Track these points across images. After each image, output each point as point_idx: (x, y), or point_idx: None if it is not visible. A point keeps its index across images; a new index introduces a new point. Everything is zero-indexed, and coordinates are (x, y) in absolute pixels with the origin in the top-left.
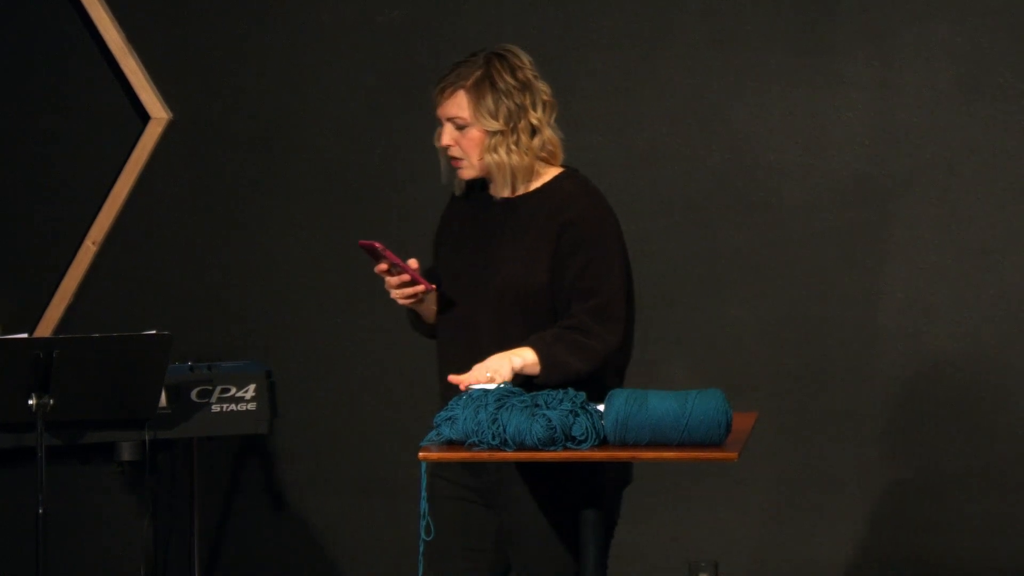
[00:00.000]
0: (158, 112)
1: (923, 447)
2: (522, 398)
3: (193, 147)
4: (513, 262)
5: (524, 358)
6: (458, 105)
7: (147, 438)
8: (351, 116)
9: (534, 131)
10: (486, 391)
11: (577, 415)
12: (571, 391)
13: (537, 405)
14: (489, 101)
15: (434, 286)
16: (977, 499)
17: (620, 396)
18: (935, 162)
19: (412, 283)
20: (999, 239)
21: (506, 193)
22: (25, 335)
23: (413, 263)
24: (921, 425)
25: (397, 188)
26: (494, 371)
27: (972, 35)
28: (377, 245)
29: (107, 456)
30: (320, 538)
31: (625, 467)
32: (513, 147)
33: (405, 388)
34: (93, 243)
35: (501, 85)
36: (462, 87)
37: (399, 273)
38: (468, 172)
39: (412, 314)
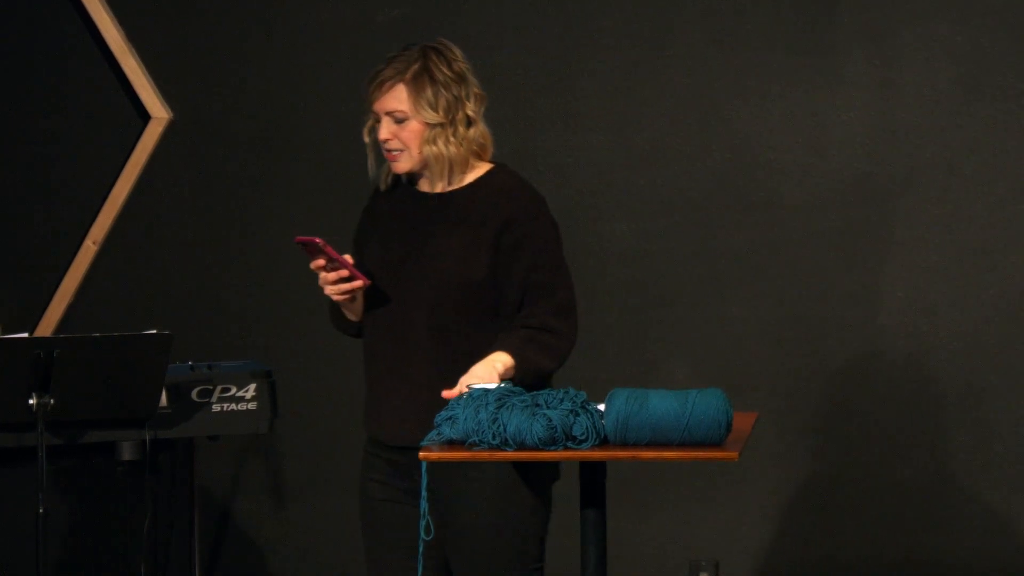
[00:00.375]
0: (158, 112)
1: (923, 447)
2: (522, 398)
3: (193, 147)
4: (450, 257)
5: (504, 362)
6: (397, 98)
7: (147, 438)
8: (351, 116)
9: (470, 123)
10: (486, 390)
11: (578, 415)
12: (571, 390)
13: (537, 405)
14: (429, 93)
15: (370, 281)
16: (977, 499)
17: (620, 396)
18: (935, 162)
19: (350, 279)
20: (999, 239)
21: (441, 186)
22: (25, 335)
23: (348, 259)
24: (921, 425)
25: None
26: (482, 379)
27: (972, 35)
28: (318, 240)
29: (107, 456)
30: (320, 538)
31: (553, 464)
32: (451, 139)
33: None
34: (93, 243)
35: (439, 77)
36: (401, 80)
37: (337, 269)
38: (404, 165)
39: (336, 311)
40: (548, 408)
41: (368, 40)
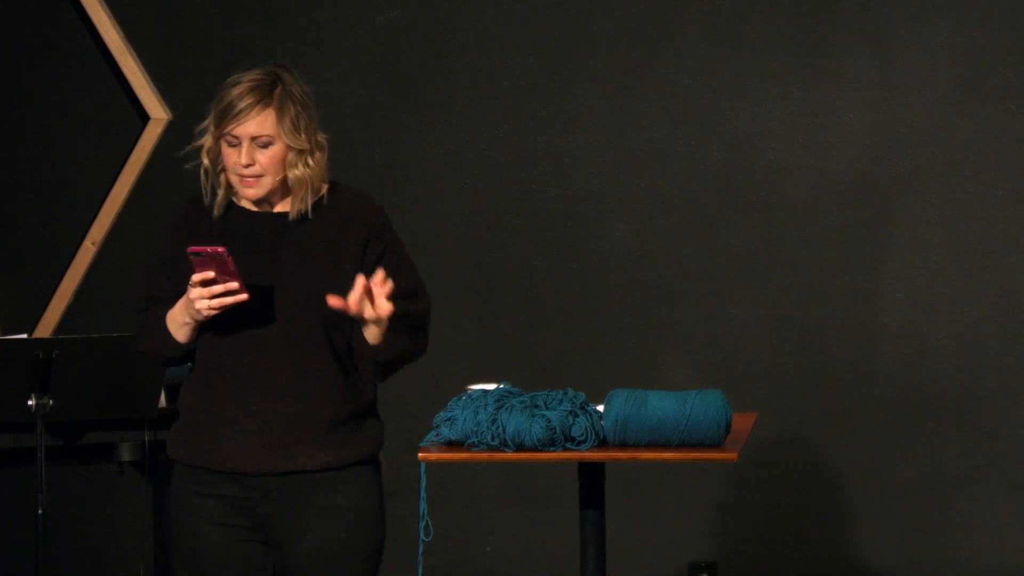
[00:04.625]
0: (157, 112)
1: (923, 447)
2: (521, 399)
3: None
4: (313, 278)
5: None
6: (264, 123)
7: (147, 438)
8: (350, 117)
9: (320, 147)
10: (485, 391)
11: (577, 416)
12: (570, 391)
13: (536, 406)
14: (293, 117)
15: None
16: (977, 499)
17: (620, 396)
18: (935, 162)
19: (235, 292)
20: (999, 239)
21: (300, 208)
22: (24, 335)
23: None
24: (921, 425)
25: (397, 188)
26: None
27: (972, 35)
28: (221, 250)
29: (107, 456)
30: None
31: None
32: (311, 162)
33: (404, 389)
34: (93, 243)
35: (300, 99)
36: (269, 104)
37: (226, 281)
38: (259, 191)
39: (162, 334)
40: (547, 409)
41: (368, 40)
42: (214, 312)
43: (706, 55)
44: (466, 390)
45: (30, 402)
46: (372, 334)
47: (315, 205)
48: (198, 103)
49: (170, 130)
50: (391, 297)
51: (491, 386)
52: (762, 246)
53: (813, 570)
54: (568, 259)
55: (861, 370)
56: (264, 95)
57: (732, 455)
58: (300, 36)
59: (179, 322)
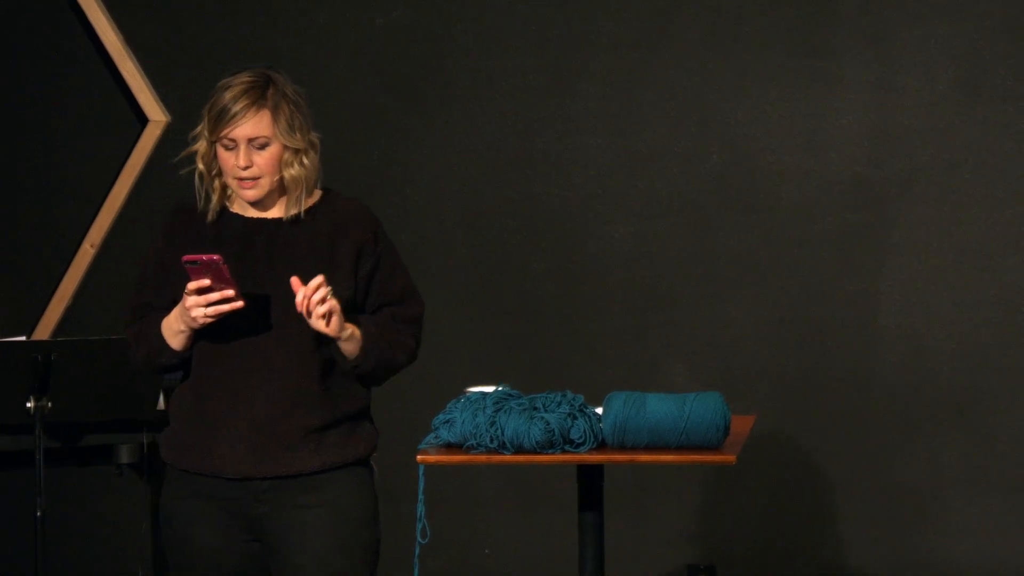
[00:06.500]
0: (156, 115)
1: (921, 449)
2: (520, 401)
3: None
4: (311, 280)
5: (355, 331)
6: (260, 124)
7: (145, 440)
8: (350, 118)
9: (313, 147)
10: (484, 394)
11: (575, 418)
12: (569, 393)
13: (535, 408)
14: (288, 116)
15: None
16: (977, 499)
17: (618, 399)
18: (934, 163)
19: (231, 300)
20: (998, 240)
21: (295, 210)
22: (23, 338)
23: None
24: (919, 427)
25: (396, 188)
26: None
27: (971, 37)
28: (217, 257)
29: (105, 458)
30: None
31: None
32: (306, 162)
33: (404, 390)
34: (91, 246)
35: (293, 100)
36: (264, 106)
37: (223, 289)
38: (257, 192)
39: (158, 343)
40: (546, 411)
41: (368, 41)
42: (210, 320)
43: (705, 57)
44: (465, 392)
45: (29, 404)
46: (346, 347)
47: (309, 211)
48: (197, 106)
49: (168, 132)
50: (380, 303)
51: (490, 388)
52: (761, 248)
53: (812, 572)
54: (567, 260)
55: (860, 372)
56: (258, 96)
57: (731, 457)
58: (300, 38)
59: (174, 330)
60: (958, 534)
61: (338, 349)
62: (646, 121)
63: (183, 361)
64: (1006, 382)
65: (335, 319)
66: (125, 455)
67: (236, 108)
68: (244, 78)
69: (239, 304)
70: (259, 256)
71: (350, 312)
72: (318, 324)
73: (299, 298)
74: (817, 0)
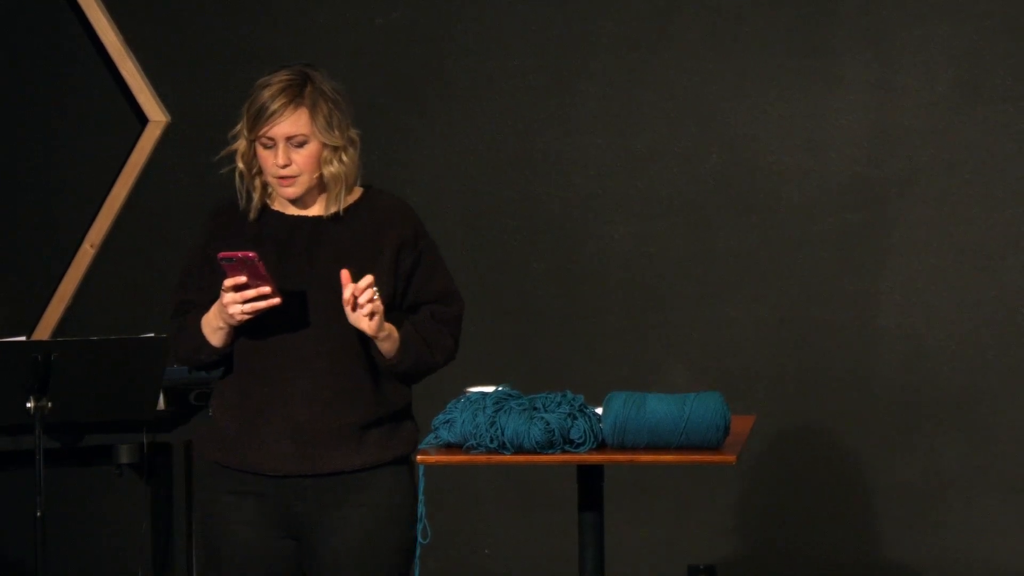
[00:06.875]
0: (156, 115)
1: (923, 448)
2: (520, 401)
3: (191, 150)
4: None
5: (392, 331)
6: (298, 122)
7: (145, 441)
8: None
9: (353, 143)
10: (484, 394)
11: (575, 418)
12: (569, 393)
13: (535, 408)
14: (326, 114)
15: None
16: (977, 499)
17: (618, 399)
18: (934, 164)
19: (268, 296)
20: (998, 241)
21: (335, 208)
22: (23, 338)
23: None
24: (920, 427)
25: (397, 189)
26: (375, 293)
27: (971, 37)
28: (252, 255)
29: (105, 459)
30: None
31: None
32: (345, 159)
33: None
34: (91, 246)
35: (332, 97)
36: (301, 104)
37: (258, 285)
38: (297, 190)
39: (197, 340)
40: (546, 411)
41: (368, 42)
42: (247, 317)
43: (705, 57)
44: (465, 392)
45: (29, 404)
46: (383, 346)
47: (350, 208)
48: (197, 106)
49: (169, 132)
50: (418, 301)
51: (490, 388)
52: (761, 248)
53: (812, 572)
54: (567, 261)
55: (860, 372)
56: (296, 95)
57: (731, 457)
58: (300, 38)
59: (213, 327)
60: (958, 534)
61: (376, 348)
62: (646, 121)
63: (224, 358)
64: (1006, 382)
65: (376, 318)
66: (125, 455)
67: (274, 106)
68: (282, 76)
69: (276, 301)
70: (299, 253)
71: (389, 310)
72: (360, 321)
73: (347, 294)
74: (817, 0)
